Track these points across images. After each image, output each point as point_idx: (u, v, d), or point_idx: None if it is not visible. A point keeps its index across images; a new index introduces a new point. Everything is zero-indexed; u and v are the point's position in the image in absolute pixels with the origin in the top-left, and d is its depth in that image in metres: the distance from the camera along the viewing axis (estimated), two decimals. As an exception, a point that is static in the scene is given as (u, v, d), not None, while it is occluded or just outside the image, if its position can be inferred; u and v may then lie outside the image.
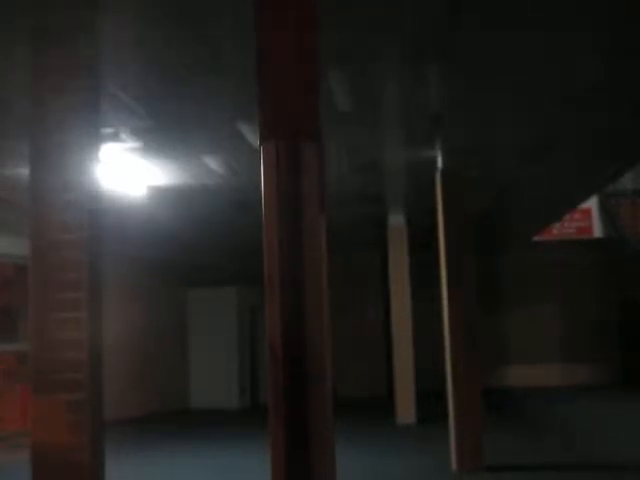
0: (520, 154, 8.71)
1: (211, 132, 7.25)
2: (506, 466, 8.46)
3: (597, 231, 18.98)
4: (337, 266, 17.94)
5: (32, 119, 4.18)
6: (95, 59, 4.29)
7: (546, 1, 4.72)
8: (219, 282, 17.32)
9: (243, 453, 10.21)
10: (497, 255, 18.58)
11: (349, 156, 8.43)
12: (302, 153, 3.29)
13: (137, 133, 7.11)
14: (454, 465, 8.43)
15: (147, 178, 9.03)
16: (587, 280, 18.66)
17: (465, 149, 8.35)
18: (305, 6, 3.45)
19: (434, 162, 8.84)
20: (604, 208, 18.75)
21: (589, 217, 18.99)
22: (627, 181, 18.61)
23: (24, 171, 8.06)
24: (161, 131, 7.13)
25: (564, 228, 18.81)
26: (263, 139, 3.34)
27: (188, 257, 16.67)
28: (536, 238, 17.94)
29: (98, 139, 4.29)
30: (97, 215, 4.17)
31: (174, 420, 14.87)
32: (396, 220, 12.88)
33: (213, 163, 8.38)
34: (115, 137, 7.13)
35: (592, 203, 18.93)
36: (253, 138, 7.31)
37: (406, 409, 12.66)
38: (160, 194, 9.98)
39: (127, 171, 8.60)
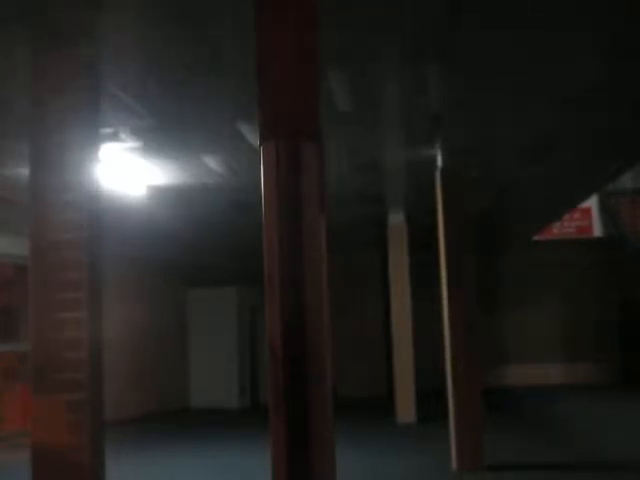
0: (520, 154, 8.71)
1: (211, 132, 7.25)
2: (506, 465, 8.46)
3: (597, 230, 18.98)
4: (337, 266, 17.94)
5: (32, 119, 4.18)
6: (95, 59, 4.29)
7: (546, 1, 4.73)
8: (219, 282, 17.32)
9: (243, 453, 10.21)
10: (497, 255, 18.58)
11: (349, 156, 8.43)
12: (302, 153, 3.29)
13: (137, 133, 7.11)
14: (454, 464, 8.43)
15: (147, 178, 9.03)
16: (587, 279, 18.66)
17: (465, 149, 8.35)
18: (305, 6, 3.45)
19: (434, 162, 8.84)
20: (604, 207, 18.76)
21: (589, 216, 18.99)
22: (627, 180, 18.61)
23: (24, 171, 8.07)
24: (161, 131, 7.13)
25: (564, 227, 18.82)
26: (263, 139, 3.34)
27: (188, 257, 16.67)
28: (536, 237, 17.95)
29: (98, 139, 4.29)
30: (97, 215, 4.18)
31: (174, 420, 14.87)
32: (396, 220, 12.88)
33: (213, 163, 8.38)
34: (115, 137, 7.13)
35: (592, 202, 18.94)
36: (253, 138, 7.31)
37: (406, 409, 12.67)
38: (160, 194, 9.98)
39: (127, 171, 8.60)
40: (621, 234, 18.42)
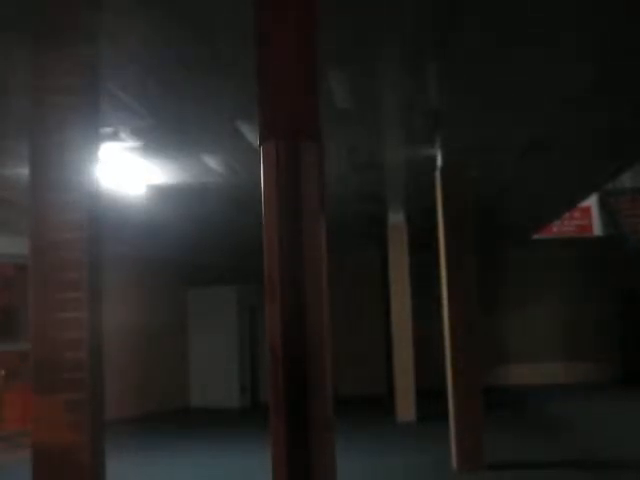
0: (520, 153, 8.71)
1: (211, 131, 7.25)
2: (506, 464, 8.46)
3: (597, 229, 18.96)
4: (337, 266, 17.93)
5: (32, 119, 4.19)
6: (95, 59, 4.29)
7: (546, 1, 4.73)
8: (219, 281, 17.31)
9: (243, 452, 10.21)
10: (497, 254, 18.57)
11: (349, 155, 8.43)
12: (302, 153, 3.29)
13: (137, 132, 7.10)
14: (454, 463, 8.43)
15: (147, 177, 9.03)
16: (587, 278, 18.64)
17: (465, 148, 8.35)
18: (305, 6, 3.45)
19: (434, 161, 8.83)
20: (604, 206, 18.74)
21: (589, 215, 18.97)
22: (627, 179, 18.59)
23: (24, 171, 8.05)
24: (161, 130, 7.13)
25: (564, 226, 18.79)
26: (263, 139, 3.34)
27: (188, 256, 16.66)
28: (536, 236, 17.92)
29: (98, 138, 4.30)
30: (97, 215, 4.18)
31: (174, 419, 14.87)
32: (396, 219, 12.87)
33: (213, 162, 8.38)
34: (115, 136, 7.13)
35: (592, 201, 18.90)
36: (253, 137, 7.31)
37: (406, 408, 12.67)
38: (160, 193, 9.98)
39: (127, 170, 8.59)
40: (621, 233, 18.40)
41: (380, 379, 17.31)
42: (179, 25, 4.78)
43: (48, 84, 4.16)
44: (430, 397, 13.33)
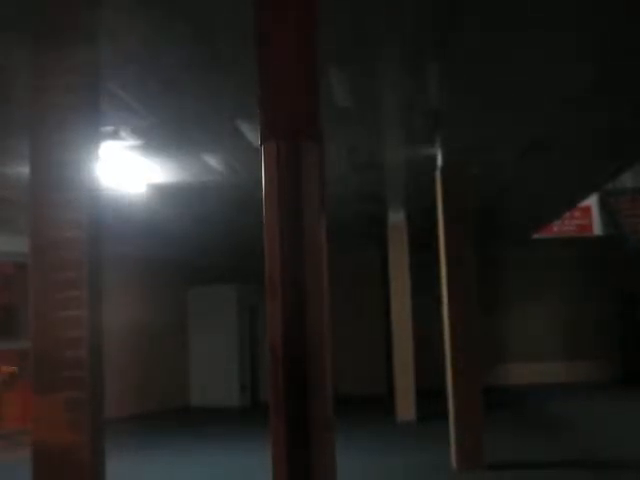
0: (520, 153, 8.71)
1: (211, 130, 7.25)
2: (506, 464, 8.46)
3: (597, 229, 18.95)
4: (337, 265, 17.92)
5: (32, 118, 4.19)
6: (95, 58, 4.29)
7: (546, 1, 4.73)
8: (219, 280, 17.31)
9: (244, 451, 10.22)
10: (497, 253, 18.57)
11: (349, 155, 8.43)
12: (303, 153, 3.29)
13: (137, 131, 7.11)
14: (454, 463, 8.43)
15: (147, 176, 9.03)
16: (587, 278, 18.65)
17: (465, 148, 8.35)
18: (305, 6, 3.45)
19: (434, 161, 8.84)
20: (604, 206, 18.73)
21: (589, 215, 18.96)
22: (627, 179, 18.58)
23: (24, 170, 8.05)
24: (161, 129, 7.13)
25: (564, 226, 18.79)
26: (264, 139, 3.35)
27: (188, 255, 16.66)
28: (536, 236, 17.93)
29: (98, 137, 4.30)
30: (97, 213, 4.18)
31: (174, 418, 14.88)
32: (396, 219, 12.87)
33: (213, 161, 8.38)
34: (115, 135, 7.13)
35: (592, 201, 18.90)
36: (253, 136, 7.31)
37: (406, 407, 12.67)
38: (160, 192, 9.98)
39: (127, 169, 8.59)
40: (621, 233, 18.40)
41: (380, 379, 17.31)
42: (179, 24, 4.78)
43: (48, 83, 4.16)
44: (430, 397, 13.34)
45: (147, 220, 12.13)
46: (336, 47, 5.23)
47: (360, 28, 4.97)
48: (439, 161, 8.76)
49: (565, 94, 6.59)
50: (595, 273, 18.67)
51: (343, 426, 11.71)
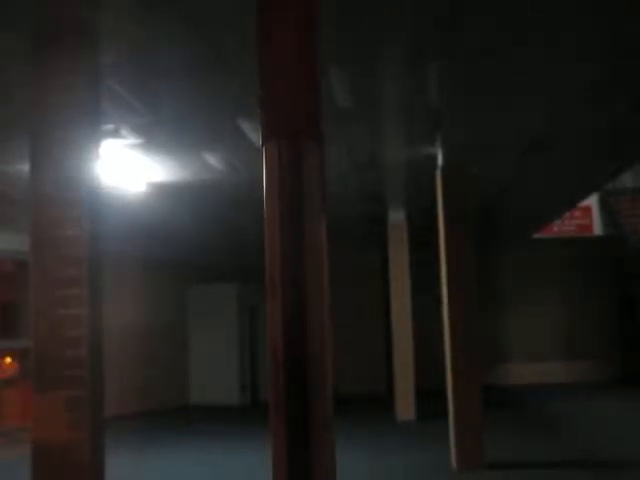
0: (520, 153, 8.72)
1: (212, 129, 7.25)
2: (506, 464, 8.46)
3: (597, 229, 18.96)
4: (337, 265, 17.92)
5: (33, 117, 4.19)
6: (95, 57, 4.30)
7: (546, 1, 4.73)
8: (219, 279, 17.32)
9: (244, 450, 10.22)
10: (497, 253, 18.58)
11: (350, 154, 8.43)
12: (304, 153, 3.30)
13: (137, 130, 7.11)
14: (454, 463, 8.44)
15: (147, 175, 9.04)
16: (587, 278, 18.66)
17: (465, 147, 8.36)
18: (306, 6, 3.46)
19: (434, 160, 8.84)
20: (604, 206, 18.74)
21: (589, 215, 18.97)
22: (627, 179, 18.59)
23: (25, 167, 8.06)
24: (161, 128, 7.13)
25: (564, 226, 18.79)
26: (265, 139, 3.35)
27: (188, 254, 16.67)
28: (536, 236, 17.93)
29: (98, 136, 4.30)
30: (97, 211, 4.18)
31: (174, 417, 14.88)
32: (396, 218, 12.88)
33: (213, 160, 8.39)
34: (116, 133, 7.13)
35: (592, 201, 18.91)
36: (253, 135, 7.32)
37: (406, 407, 12.68)
38: (160, 191, 9.98)
39: (127, 168, 8.60)
40: (621, 233, 18.41)
41: (380, 379, 17.32)
42: (180, 23, 4.78)
43: (48, 82, 4.17)
44: (430, 397, 13.35)
45: (147, 218, 12.14)
46: (336, 47, 5.24)
47: (360, 28, 4.98)
48: (439, 161, 8.77)
49: (565, 94, 6.60)
50: (595, 273, 18.68)
51: (343, 426, 11.72)
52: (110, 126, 6.88)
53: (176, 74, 5.70)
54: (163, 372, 16.13)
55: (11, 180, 8.90)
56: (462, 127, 7.61)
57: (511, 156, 8.87)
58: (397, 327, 12.91)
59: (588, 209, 18.89)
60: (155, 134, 7.31)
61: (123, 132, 7.11)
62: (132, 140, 7.41)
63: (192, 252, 16.39)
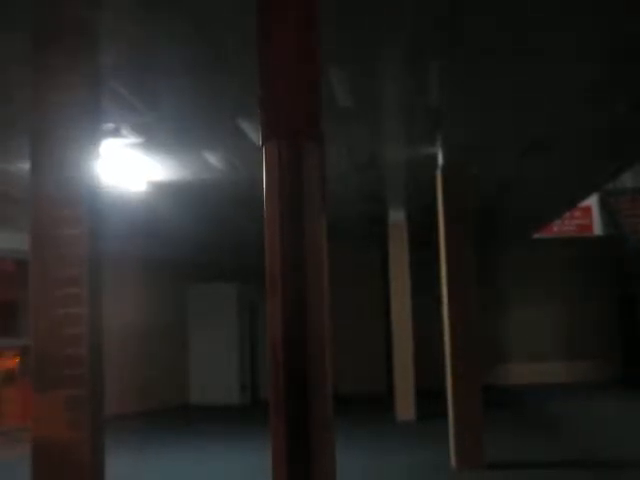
0: (520, 153, 8.72)
1: (212, 128, 7.26)
2: (506, 464, 8.46)
3: (597, 229, 18.96)
4: (337, 265, 17.91)
5: (33, 116, 4.19)
6: (96, 56, 4.30)
7: (546, 1, 4.73)
8: (219, 279, 17.32)
9: (244, 450, 10.22)
10: (497, 253, 18.57)
11: (350, 154, 8.43)
12: (304, 153, 3.30)
13: (138, 129, 7.11)
14: (454, 462, 8.44)
15: (147, 174, 9.04)
16: (587, 278, 18.65)
17: (465, 147, 8.36)
18: (306, 6, 3.46)
19: (435, 160, 8.84)
20: (604, 206, 18.74)
21: (589, 215, 18.97)
22: (627, 179, 18.59)
23: (25, 166, 8.05)
24: (162, 127, 7.14)
25: (564, 226, 18.79)
26: (265, 139, 3.35)
27: (188, 254, 16.67)
28: (536, 236, 17.94)
29: (99, 135, 4.30)
30: (97, 211, 4.18)
31: (174, 416, 14.88)
32: (396, 218, 12.87)
33: (214, 159, 8.39)
34: (116, 133, 7.13)
35: (592, 201, 18.91)
36: (253, 135, 7.32)
37: (406, 407, 12.68)
38: (160, 190, 9.99)
39: (127, 167, 8.60)
40: (621, 233, 18.41)
41: (380, 378, 17.32)
42: (180, 23, 4.78)
43: (49, 81, 4.17)
44: (430, 397, 13.34)
45: (147, 218, 12.14)
46: (336, 47, 5.24)
47: (360, 28, 4.98)
48: (439, 161, 8.77)
49: (565, 94, 6.60)
50: (595, 273, 18.67)
51: (343, 426, 11.72)
52: (110, 125, 6.88)
53: (176, 74, 5.70)
54: (163, 372, 16.13)
55: (12, 179, 8.90)
56: (462, 127, 7.61)
57: (511, 156, 8.87)
58: (397, 327, 12.90)
59: (588, 209, 18.89)
60: (155, 133, 7.31)
61: (123, 131, 7.12)
62: (132, 139, 7.41)
63: (192, 251, 16.39)
